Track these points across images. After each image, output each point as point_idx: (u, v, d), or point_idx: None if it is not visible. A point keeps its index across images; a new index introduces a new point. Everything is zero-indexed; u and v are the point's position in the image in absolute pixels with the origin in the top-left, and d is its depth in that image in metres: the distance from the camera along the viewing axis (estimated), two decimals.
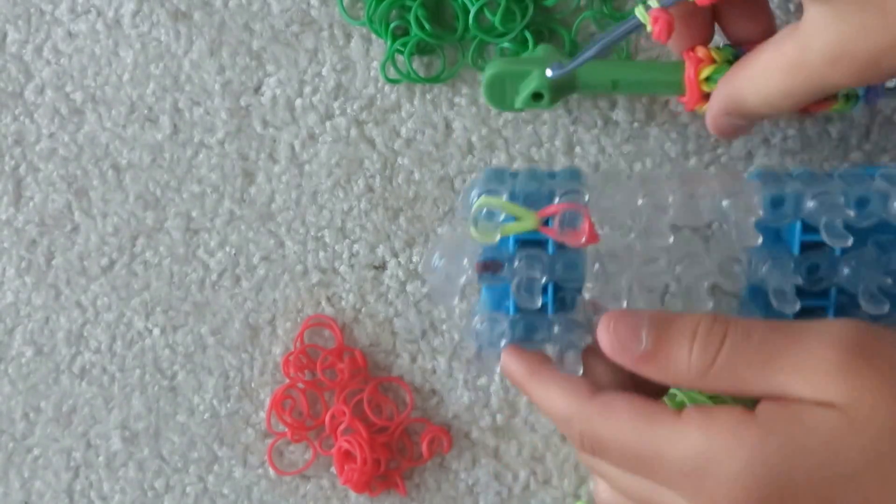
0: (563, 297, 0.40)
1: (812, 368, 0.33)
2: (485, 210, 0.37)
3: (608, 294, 0.39)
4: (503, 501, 0.48)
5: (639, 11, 0.37)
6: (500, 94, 0.44)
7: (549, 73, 0.43)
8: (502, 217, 0.37)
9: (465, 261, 0.39)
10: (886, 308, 0.40)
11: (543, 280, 0.39)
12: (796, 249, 0.40)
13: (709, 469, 0.33)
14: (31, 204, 0.49)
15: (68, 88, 0.49)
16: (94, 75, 0.48)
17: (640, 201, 0.39)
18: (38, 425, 0.49)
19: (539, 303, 0.38)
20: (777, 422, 0.33)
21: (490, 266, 0.39)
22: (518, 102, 0.44)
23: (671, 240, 0.39)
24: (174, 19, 0.48)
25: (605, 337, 0.36)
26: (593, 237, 0.37)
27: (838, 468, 0.32)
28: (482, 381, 0.48)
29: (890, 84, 0.43)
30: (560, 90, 0.43)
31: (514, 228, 0.37)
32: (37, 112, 0.49)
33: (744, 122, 0.41)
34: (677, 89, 0.43)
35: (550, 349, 0.40)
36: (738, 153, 0.47)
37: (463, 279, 0.39)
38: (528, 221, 0.37)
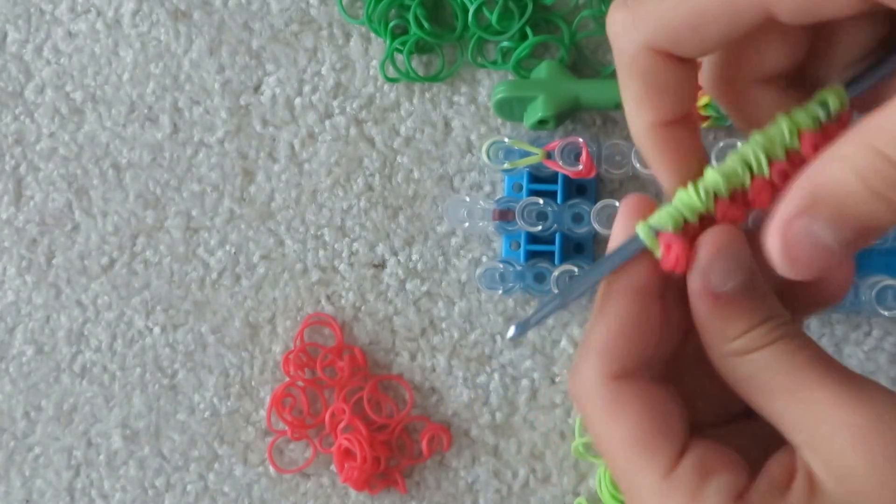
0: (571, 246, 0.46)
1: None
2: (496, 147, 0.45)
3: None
4: (503, 499, 0.48)
5: (642, 230, 0.27)
6: (509, 112, 0.47)
7: (511, 332, 0.32)
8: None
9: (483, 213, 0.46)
10: None
11: (551, 224, 0.44)
12: None
13: None
14: (31, 203, 0.49)
15: (68, 88, 0.49)
16: (94, 75, 0.49)
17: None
18: (39, 424, 0.49)
19: (540, 227, 0.44)
20: None
21: (505, 214, 0.45)
22: (525, 124, 0.46)
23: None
24: (174, 19, 0.48)
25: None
26: (590, 168, 0.43)
27: None
28: (481, 378, 0.48)
29: None
30: (564, 113, 0.46)
31: (522, 162, 0.44)
32: (37, 111, 0.49)
33: (832, 241, 0.25)
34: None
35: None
36: None
37: (482, 224, 0.45)
38: (536, 156, 0.44)
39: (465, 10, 0.46)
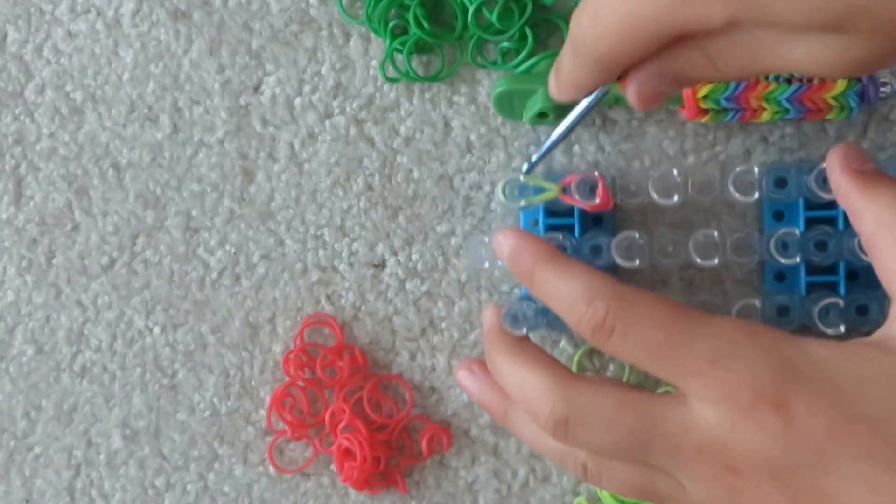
0: None
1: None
2: (512, 185, 0.45)
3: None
4: (502, 499, 0.48)
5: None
6: (509, 108, 0.46)
7: (524, 168, 0.45)
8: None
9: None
10: None
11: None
12: (801, 226, 0.44)
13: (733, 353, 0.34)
14: (31, 203, 0.49)
15: (68, 88, 0.49)
16: (94, 75, 0.49)
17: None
18: (39, 424, 0.49)
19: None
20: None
21: None
22: (525, 118, 0.46)
23: (676, 198, 0.44)
24: (174, 19, 0.48)
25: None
26: (607, 201, 0.43)
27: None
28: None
29: (883, 88, 0.44)
30: (565, 107, 0.45)
31: (539, 198, 0.44)
32: (37, 111, 0.49)
33: (669, 90, 0.36)
34: (677, 102, 0.45)
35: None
36: (736, 151, 0.47)
37: (500, 262, 0.44)
38: (551, 191, 0.44)
39: (465, 10, 0.46)
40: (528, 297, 0.47)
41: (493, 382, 0.42)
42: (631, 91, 0.36)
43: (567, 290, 0.38)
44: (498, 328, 0.42)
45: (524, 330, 0.46)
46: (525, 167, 0.45)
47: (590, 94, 0.38)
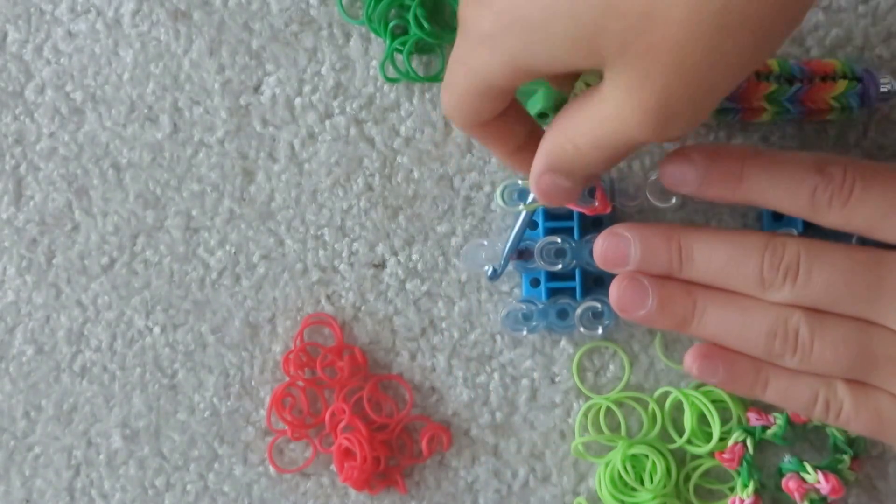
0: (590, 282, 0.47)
1: None
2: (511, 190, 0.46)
3: None
4: (503, 499, 0.48)
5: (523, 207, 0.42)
6: None
7: (489, 272, 0.46)
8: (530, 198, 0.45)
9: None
10: None
11: (570, 260, 0.45)
12: (800, 226, 0.44)
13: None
14: (31, 203, 0.49)
15: (68, 88, 0.49)
16: (94, 75, 0.49)
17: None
18: (39, 424, 0.49)
19: (560, 265, 0.45)
20: None
21: (524, 254, 0.46)
22: None
23: (674, 201, 0.45)
24: (174, 19, 0.48)
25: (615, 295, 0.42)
26: (605, 204, 0.44)
27: None
28: (481, 377, 0.48)
29: (884, 88, 0.44)
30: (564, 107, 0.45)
31: (537, 204, 0.44)
32: (37, 111, 0.49)
33: (568, 184, 0.38)
34: None
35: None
36: None
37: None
38: None
39: None
40: (528, 299, 0.47)
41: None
42: (533, 188, 0.39)
43: (793, 168, 0.39)
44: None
45: (525, 331, 0.47)
46: (490, 272, 0.46)
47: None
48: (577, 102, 0.36)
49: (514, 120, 0.40)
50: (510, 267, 0.47)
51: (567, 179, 0.38)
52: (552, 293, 0.47)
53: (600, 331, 0.46)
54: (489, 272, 0.46)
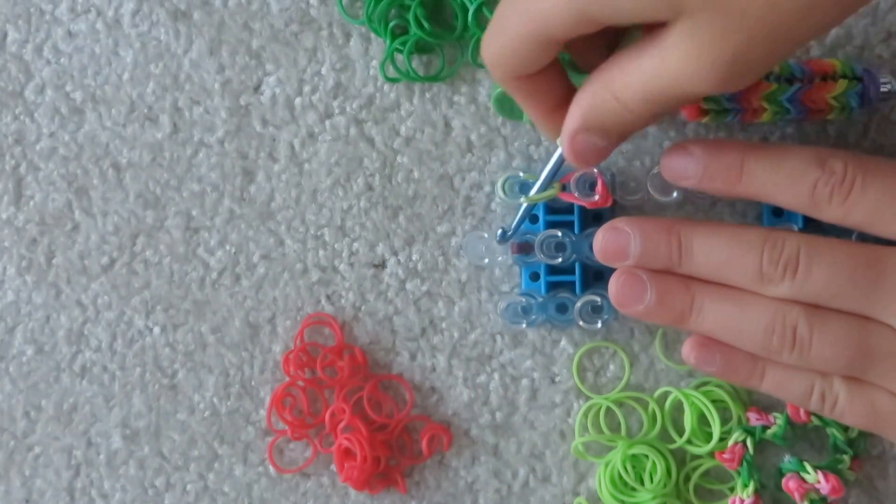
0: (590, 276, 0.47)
1: None
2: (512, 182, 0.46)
3: None
4: (503, 499, 0.48)
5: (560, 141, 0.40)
6: (509, 108, 0.47)
7: (497, 235, 0.46)
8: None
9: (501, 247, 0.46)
10: None
11: (570, 254, 0.45)
12: (800, 223, 0.44)
13: None
14: (31, 203, 0.49)
15: (68, 88, 0.49)
16: (94, 75, 0.49)
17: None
18: (39, 424, 0.49)
19: (560, 259, 0.45)
20: None
21: (524, 247, 0.46)
22: (525, 118, 0.47)
23: (675, 195, 0.45)
24: (174, 19, 0.48)
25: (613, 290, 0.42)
26: (606, 198, 0.44)
27: None
28: (481, 377, 0.48)
29: (884, 88, 0.44)
30: None
31: (538, 197, 0.44)
32: (37, 111, 0.49)
33: (603, 143, 0.38)
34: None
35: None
36: None
37: (501, 259, 0.47)
38: (551, 191, 0.43)
39: (465, 10, 0.46)
40: (528, 293, 0.47)
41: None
42: (565, 147, 0.39)
43: (794, 162, 0.39)
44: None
45: (524, 324, 0.47)
46: (499, 234, 0.45)
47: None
48: (626, 55, 0.36)
49: (555, 76, 0.39)
50: (510, 261, 0.46)
51: (603, 138, 0.37)
52: (552, 287, 0.47)
53: (600, 325, 0.46)
54: (498, 233, 0.45)
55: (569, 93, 0.39)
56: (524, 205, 0.44)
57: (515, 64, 0.37)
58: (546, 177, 0.43)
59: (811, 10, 0.31)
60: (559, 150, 0.41)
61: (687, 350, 0.43)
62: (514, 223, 0.45)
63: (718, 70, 0.33)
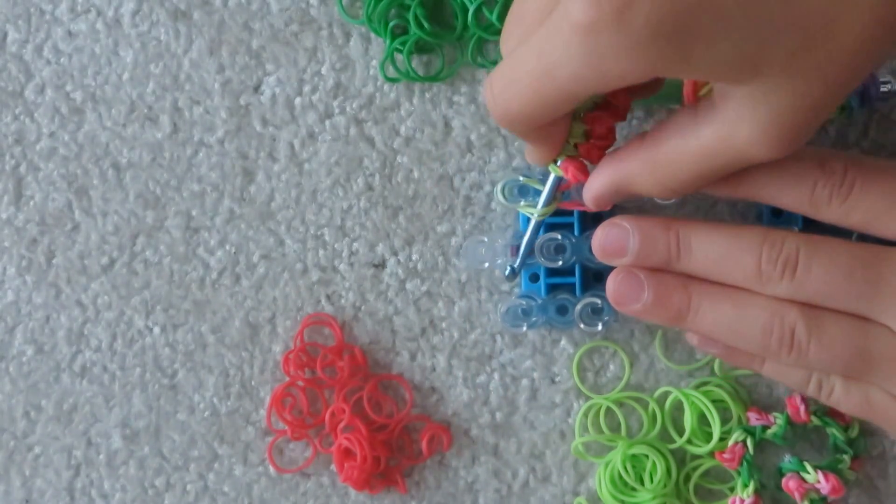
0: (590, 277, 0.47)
1: None
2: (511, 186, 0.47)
3: None
4: (503, 499, 0.48)
5: (552, 168, 0.41)
6: None
7: (508, 268, 0.45)
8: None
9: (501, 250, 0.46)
10: None
11: (570, 256, 0.45)
12: (799, 223, 0.45)
13: None
14: (31, 203, 0.49)
15: (68, 88, 0.49)
16: (94, 75, 0.49)
17: None
18: (39, 424, 0.49)
19: (560, 261, 0.45)
20: None
21: None
22: None
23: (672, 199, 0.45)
24: (174, 18, 0.48)
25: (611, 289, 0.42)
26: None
27: None
28: (481, 377, 0.48)
29: (884, 87, 0.44)
30: None
31: (539, 213, 0.43)
32: (37, 111, 0.49)
33: (629, 198, 0.40)
34: (677, 102, 0.45)
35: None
36: None
37: (501, 262, 0.46)
38: (551, 205, 0.43)
39: (465, 10, 0.46)
40: (528, 295, 0.47)
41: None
42: (589, 201, 0.40)
43: (794, 163, 0.38)
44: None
45: (524, 327, 0.47)
46: (508, 272, 0.45)
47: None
48: (671, 128, 0.35)
49: (567, 117, 0.39)
50: (509, 265, 0.47)
51: (632, 197, 0.38)
52: (551, 289, 0.47)
53: (600, 327, 0.46)
54: (507, 271, 0.45)
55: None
56: (525, 240, 0.44)
57: (535, 121, 0.36)
58: (546, 198, 0.43)
59: (880, 60, 0.30)
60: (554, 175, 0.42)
61: (690, 333, 0.44)
62: (519, 258, 0.44)
63: (795, 133, 0.31)
